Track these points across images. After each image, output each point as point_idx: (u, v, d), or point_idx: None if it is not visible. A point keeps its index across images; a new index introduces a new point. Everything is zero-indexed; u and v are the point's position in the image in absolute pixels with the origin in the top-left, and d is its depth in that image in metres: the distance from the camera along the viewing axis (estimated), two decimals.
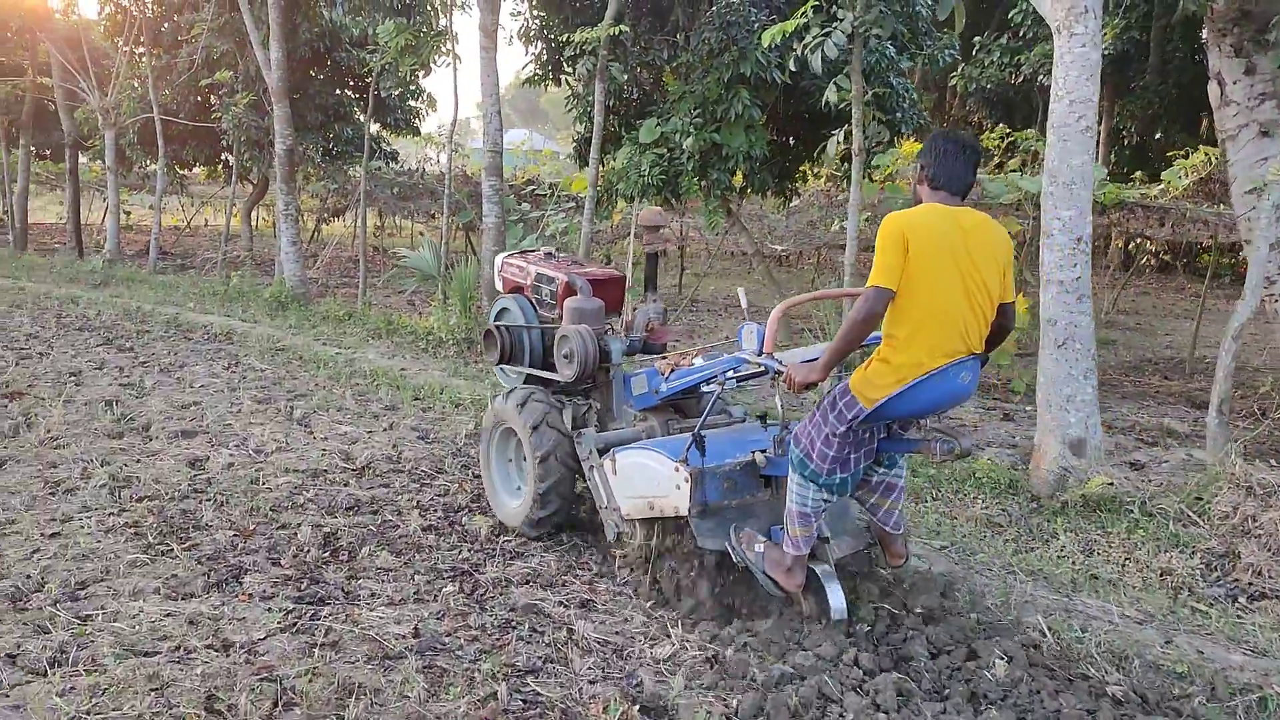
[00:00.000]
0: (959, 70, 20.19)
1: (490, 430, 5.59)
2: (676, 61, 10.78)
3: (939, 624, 4.09)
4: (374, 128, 18.29)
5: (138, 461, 6.45)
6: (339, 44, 17.66)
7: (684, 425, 4.99)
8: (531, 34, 12.23)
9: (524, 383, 5.66)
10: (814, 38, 7.03)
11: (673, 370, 4.90)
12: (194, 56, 17.03)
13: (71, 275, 16.79)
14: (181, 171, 22.05)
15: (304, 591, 4.48)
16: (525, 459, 5.25)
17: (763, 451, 4.31)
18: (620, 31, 9.58)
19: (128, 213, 25.96)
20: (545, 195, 15.63)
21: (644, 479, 4.47)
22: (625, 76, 10.51)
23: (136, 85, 19.13)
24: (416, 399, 8.51)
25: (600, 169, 10.55)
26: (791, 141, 12.30)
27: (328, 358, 10.03)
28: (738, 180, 11.07)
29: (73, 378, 8.95)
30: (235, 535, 5.14)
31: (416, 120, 20.56)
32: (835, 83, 7.22)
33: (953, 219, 3.72)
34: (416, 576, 4.69)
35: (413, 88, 19.67)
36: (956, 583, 4.56)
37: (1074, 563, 5.09)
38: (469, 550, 5.11)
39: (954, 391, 3.79)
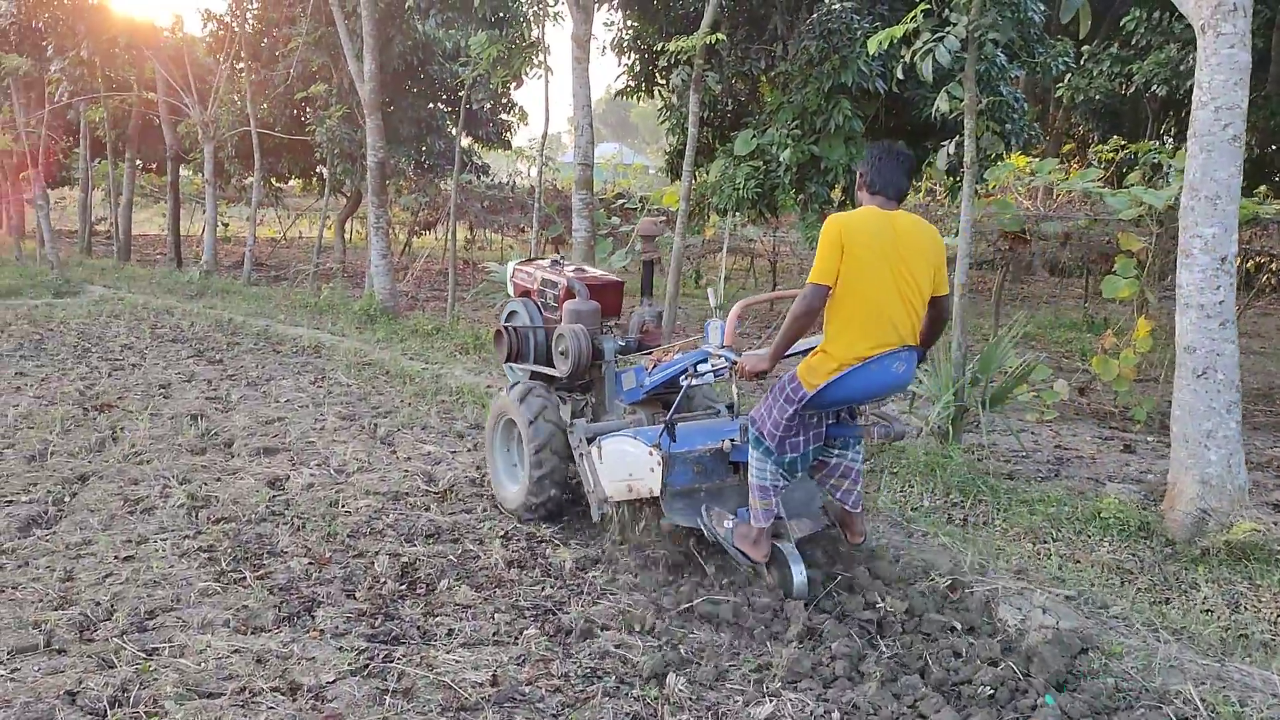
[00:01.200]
0: (1066, 80, 19.42)
1: (495, 421, 6.02)
2: (774, 71, 10.42)
3: (1073, 692, 3.65)
4: (465, 141, 18.26)
5: (218, 480, 6.31)
6: (431, 57, 17.67)
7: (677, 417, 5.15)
8: (625, 45, 11.98)
9: (529, 378, 6.02)
10: (924, 43, 6.61)
11: (655, 365, 5.34)
12: (290, 70, 17.20)
13: (169, 286, 17.05)
14: (277, 184, 22.38)
15: (378, 629, 4.21)
16: (523, 449, 5.62)
17: (731, 439, 4.82)
18: (717, 40, 9.25)
19: (225, 225, 26.47)
20: (635, 209, 15.37)
21: (623, 463, 4.99)
22: (721, 87, 10.16)
23: (236, 99, 19.45)
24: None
25: (693, 182, 10.22)
26: None
27: (414, 373, 9.87)
28: (835, 194, 10.64)
29: (161, 390, 8.93)
30: (310, 563, 4.91)
31: (507, 134, 20.53)
32: (947, 91, 6.78)
33: (887, 221, 4.14)
34: (497, 615, 4.38)
35: (504, 101, 19.65)
36: (1090, 641, 4.09)
37: (1220, 619, 4.56)
38: (552, 586, 4.80)
39: (888, 380, 4.22)
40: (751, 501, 4.50)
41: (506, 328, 6.13)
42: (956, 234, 13.89)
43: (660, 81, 12.53)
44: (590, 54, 10.74)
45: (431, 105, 19.34)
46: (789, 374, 4.30)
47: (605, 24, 11.94)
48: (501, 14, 12.70)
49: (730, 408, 5.35)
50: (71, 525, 5.39)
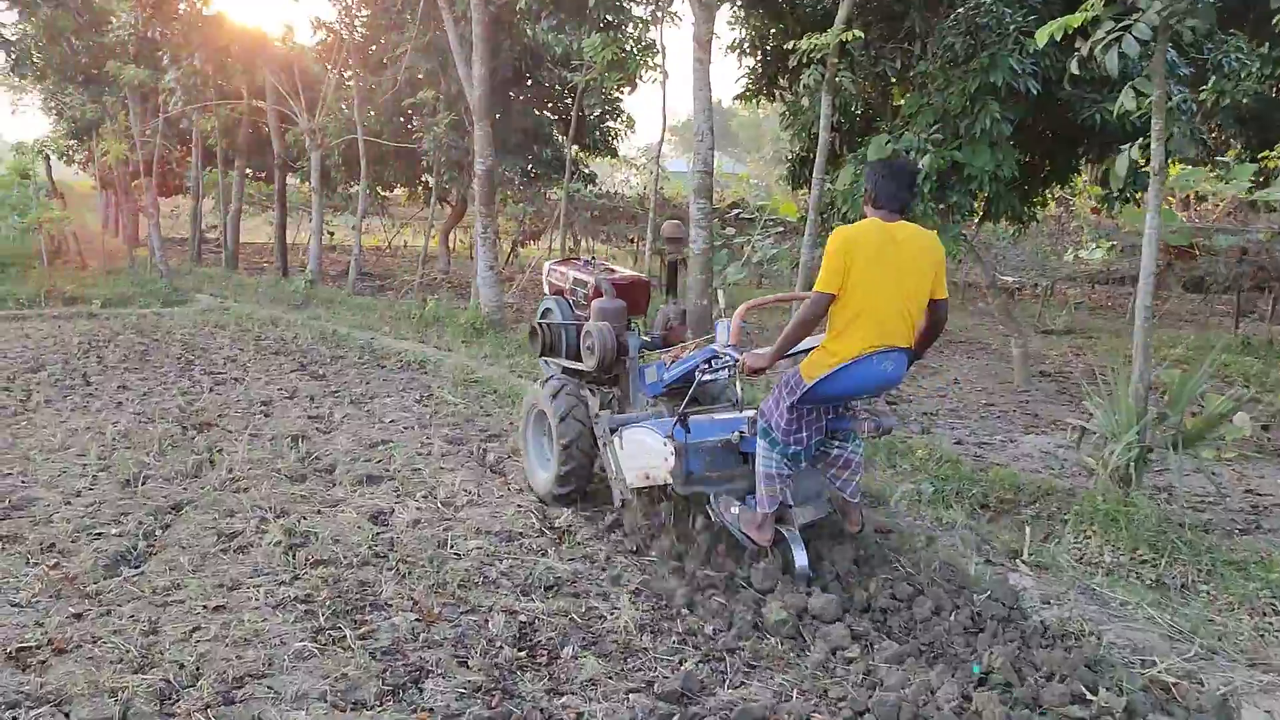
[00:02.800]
0: (1210, 83, 18.07)
1: (528, 412, 6.44)
2: (912, 72, 9.62)
3: None
4: (572, 149, 17.81)
5: (317, 513, 5.80)
6: (540, 63, 17.27)
7: (690, 410, 5.39)
8: (746, 46, 11.30)
9: (561, 373, 6.43)
10: (1109, 34, 5.78)
11: (674, 361, 5.66)
12: (398, 77, 16.94)
13: (274, 295, 16.92)
14: (383, 193, 22.25)
15: (495, 710, 3.59)
16: (553, 442, 5.98)
17: (740, 432, 5.20)
18: (854, 38, 8.52)
19: (331, 233, 26.52)
20: (752, 219, 14.66)
21: (641, 452, 5.34)
22: (856, 88, 9.41)
23: (343, 107, 19.34)
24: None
25: (822, 191, 9.48)
26: (1034, 160, 10.87)
27: (524, 392, 9.30)
28: (979, 204, 9.80)
29: (263, 408, 8.55)
30: (418, 619, 4.34)
31: (614, 141, 20.02)
32: (1133, 86, 5.93)
33: (888, 232, 4.46)
34: (631, 696, 3.74)
35: (609, 108, 19.16)
36: None
37: None
38: (691, 656, 4.13)
39: (878, 377, 4.58)
40: (759, 488, 4.83)
41: (540, 324, 6.61)
42: (1099, 248, 12.74)
43: (782, 85, 11.82)
44: (712, 55, 10.10)
45: (539, 113, 18.92)
46: (793, 370, 4.72)
47: (729, 22, 11.27)
48: (617, 16, 12.16)
49: (735, 404, 5.88)
50: (160, 565, 4.91)
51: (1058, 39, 6.18)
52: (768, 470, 4.79)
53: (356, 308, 15.42)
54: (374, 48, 18.97)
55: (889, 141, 9.41)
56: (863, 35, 8.63)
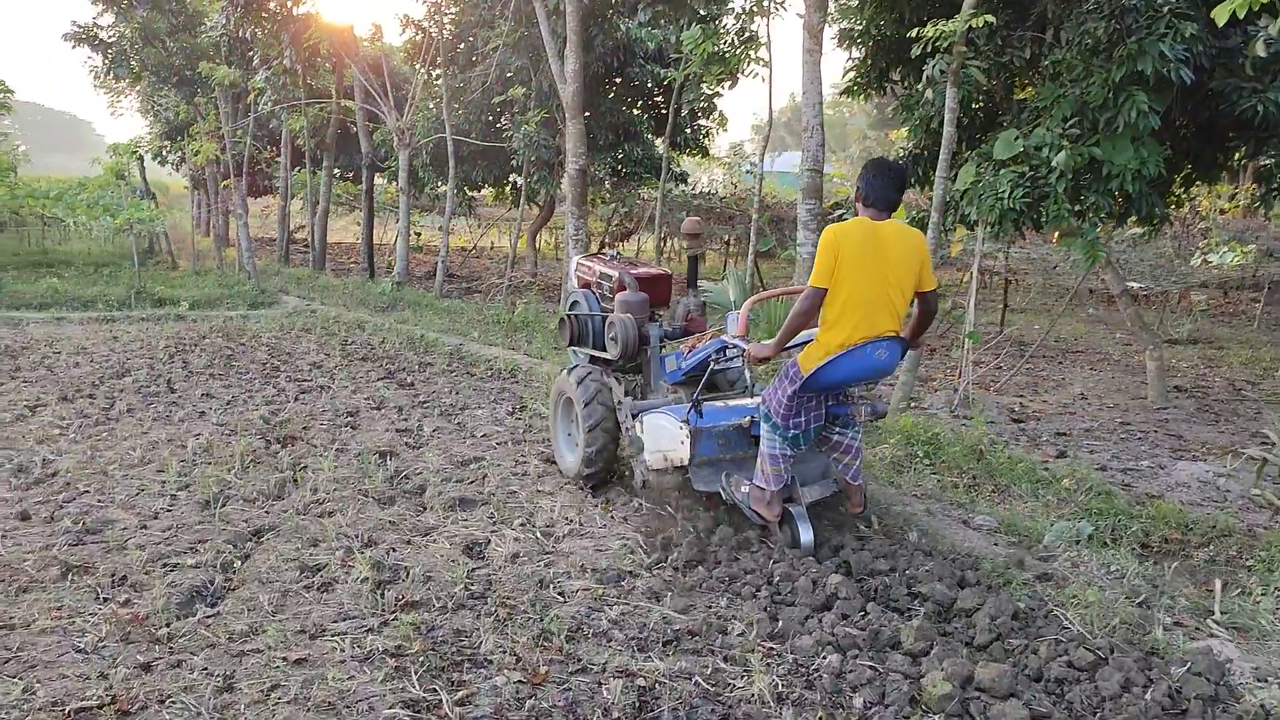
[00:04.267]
0: None
1: (556, 399, 6.82)
2: (1047, 60, 8.83)
3: None
4: (664, 147, 17.25)
5: (407, 543, 5.32)
6: (632, 59, 16.72)
7: (706, 396, 5.89)
8: (855, 36, 10.59)
9: (588, 361, 6.79)
10: None
11: (690, 351, 6.05)
12: (488, 73, 16.55)
13: (362, 297, 16.65)
14: (470, 193, 21.93)
15: None
16: (579, 425, 6.31)
17: (751, 416, 5.55)
18: (985, 24, 7.79)
19: (418, 234, 26.35)
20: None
21: (660, 435, 5.61)
22: (986, 79, 8.65)
23: (431, 106, 19.06)
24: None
25: (946, 190, 8.74)
26: (1175, 156, 9.96)
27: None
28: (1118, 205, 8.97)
29: (349, 419, 8.14)
30: (522, 680, 3.79)
31: (706, 140, 19.40)
32: None
33: (874, 229, 4.75)
34: None
35: (703, 105, 18.55)
36: None
37: None
38: None
39: (871, 364, 4.86)
40: (763, 467, 5.14)
41: (569, 316, 6.91)
42: (1230, 251, 11.65)
43: (894, 78, 11.07)
44: (824, 45, 9.44)
45: (630, 110, 18.38)
46: (791, 361, 5.03)
47: (841, 8, 10.54)
48: (717, 7, 11.56)
49: (748, 390, 6.09)
50: (238, 604, 4.45)
51: (1242, 14, 5.41)
52: (771, 451, 5.12)
53: (444, 311, 15.04)
54: (462, 45, 18.63)
55: (1018, 137, 8.65)
56: (993, 21, 7.87)
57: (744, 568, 5.04)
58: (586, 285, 7.24)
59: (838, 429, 5.31)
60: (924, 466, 7.09)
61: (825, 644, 4.17)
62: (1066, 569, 5.05)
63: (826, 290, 4.72)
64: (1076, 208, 8.58)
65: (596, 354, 6.75)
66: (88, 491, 6.05)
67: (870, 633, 4.21)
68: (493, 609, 4.43)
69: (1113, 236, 10.90)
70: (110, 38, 26.03)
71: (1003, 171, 8.63)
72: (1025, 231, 9.33)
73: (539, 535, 5.50)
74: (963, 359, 9.26)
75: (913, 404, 8.72)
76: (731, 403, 5.87)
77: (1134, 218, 9.27)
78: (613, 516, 5.90)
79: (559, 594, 4.68)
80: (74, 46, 25.88)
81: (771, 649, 4.17)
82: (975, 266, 9.33)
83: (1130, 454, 7.94)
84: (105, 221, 17.60)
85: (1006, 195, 8.36)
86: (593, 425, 6.14)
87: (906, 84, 10.97)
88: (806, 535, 5.19)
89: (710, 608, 4.58)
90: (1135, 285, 13.60)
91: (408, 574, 4.82)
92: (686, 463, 5.49)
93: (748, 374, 5.98)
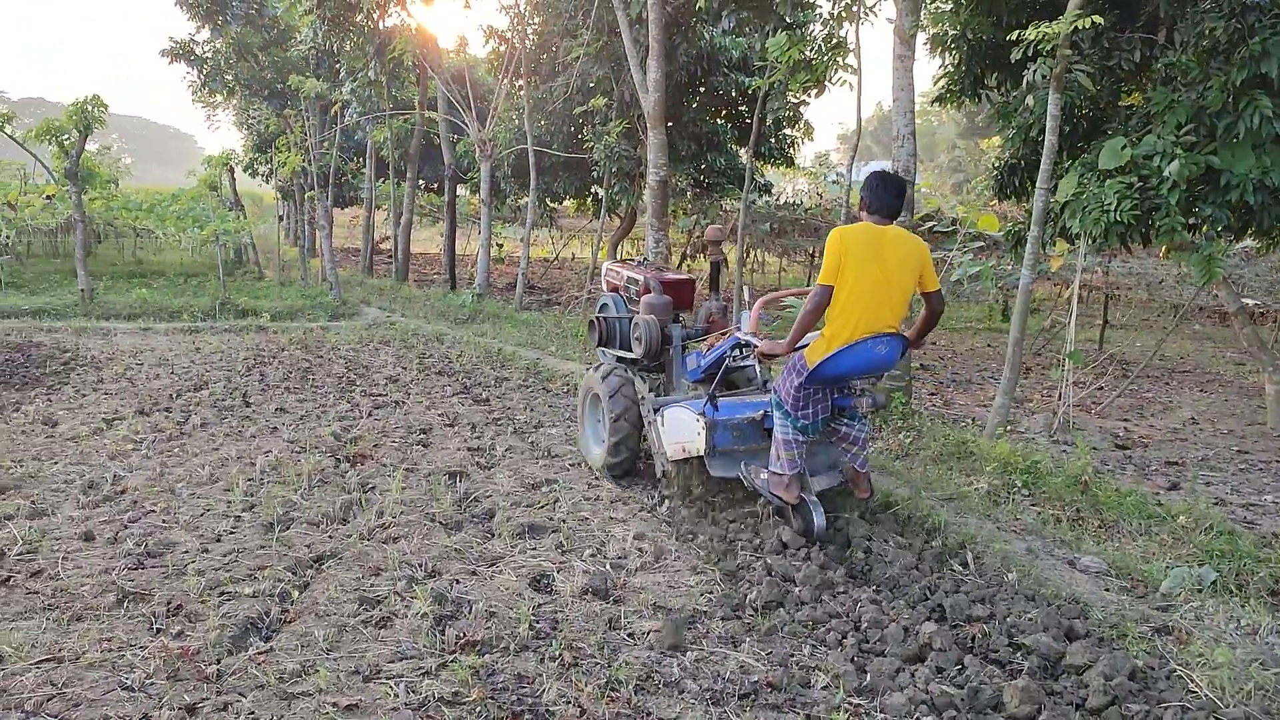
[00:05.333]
0: None
1: (584, 396, 7.21)
2: (1159, 63, 8.28)
3: None
4: (749, 157, 16.90)
5: (472, 573, 5.06)
6: (715, 67, 16.41)
7: (724, 392, 6.33)
8: (949, 41, 10.11)
9: (616, 361, 7.14)
10: None
11: (708, 349, 6.42)
12: (570, 83, 16.40)
13: (442, 309, 16.60)
14: (551, 205, 21.83)
15: None
16: (604, 418, 6.76)
17: (765, 410, 5.78)
18: (1093, 25, 7.30)
19: (499, 245, 26.36)
20: (947, 232, 13.38)
21: (679, 428, 5.99)
22: (1094, 84, 8.11)
23: (513, 117, 19.00)
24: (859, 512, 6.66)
25: (1048, 201, 8.21)
26: None
27: None
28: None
29: (421, 436, 7.96)
30: None
31: (791, 149, 18.98)
32: None
33: (877, 233, 5.22)
34: None
35: (788, 114, 18.15)
36: None
37: None
38: None
39: (872, 358, 5.26)
40: (778, 452, 5.47)
41: (598, 318, 7.31)
42: None
43: (989, 85, 10.57)
44: (916, 50, 9.02)
45: (712, 120, 18.05)
46: (798, 355, 5.40)
47: (934, 12, 10.07)
48: (805, 14, 11.19)
49: (764, 386, 6.45)
50: (292, 639, 4.23)
51: None
52: (785, 437, 5.46)
53: (523, 324, 14.88)
54: (545, 56, 18.53)
55: (1125, 146, 8.12)
56: (1101, 21, 7.37)
57: (828, 611, 4.67)
58: (615, 289, 7.66)
59: (845, 421, 5.68)
60: (1022, 498, 6.63)
61: (919, 703, 3.79)
62: (1189, 621, 4.57)
63: (833, 288, 5.15)
64: (1190, 220, 8.02)
65: (623, 354, 7.13)
66: (153, 511, 5.93)
67: (969, 691, 3.82)
68: (558, 652, 4.14)
69: (1225, 250, 10.22)
70: (206, 53, 26.68)
71: (1109, 182, 8.10)
72: (1130, 245, 8.76)
73: (610, 566, 5.20)
74: (1062, 380, 8.73)
75: (1009, 428, 8.22)
76: (746, 398, 6.27)
77: (1253, 230, 8.64)
78: (688, 547, 5.57)
79: (628, 635, 4.38)
80: (171, 62, 26.58)
81: (859, 706, 3.80)
82: (1076, 282, 8.80)
83: (1251, 487, 7.36)
84: (193, 233, 17.87)
85: (1113, 207, 7.83)
86: (617, 416, 6.61)
87: (1003, 90, 10.47)
88: (820, 520, 5.43)
89: (792, 656, 4.23)
90: (1251, 302, 12.82)
91: (470, 609, 4.56)
92: (703, 453, 5.81)
93: (758, 370, 6.43)
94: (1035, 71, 7.74)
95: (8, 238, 18.97)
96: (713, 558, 5.40)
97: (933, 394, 10.57)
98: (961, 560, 5.37)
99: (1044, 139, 8.44)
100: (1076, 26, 7.57)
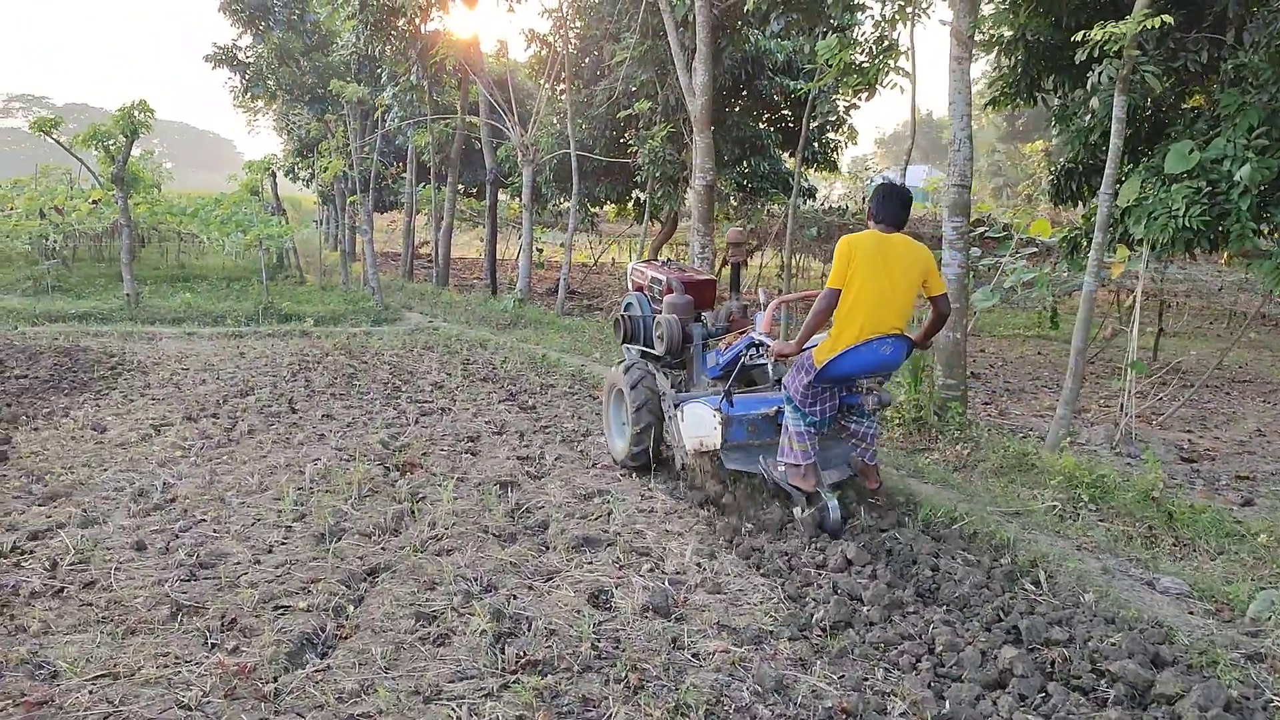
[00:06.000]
0: None
1: (609, 391, 7.54)
2: (1228, 64, 8.04)
3: None
4: (793, 161, 16.69)
5: (529, 588, 4.93)
6: (760, 71, 16.24)
7: (742, 390, 6.63)
8: (1005, 42, 9.89)
9: (640, 357, 7.44)
10: None
11: (726, 348, 6.69)
12: (613, 86, 16.29)
13: (484, 314, 16.54)
14: (592, 209, 21.73)
15: None
16: (627, 410, 7.03)
17: (778, 407, 6.11)
18: (1162, 24, 7.07)
19: (540, 250, 26.31)
20: (998, 238, 13.11)
21: (696, 423, 6.29)
22: (1162, 85, 7.87)
23: (555, 122, 18.93)
24: (870, 501, 6.46)
25: (1112, 207, 7.97)
26: None
27: None
28: None
29: (470, 444, 7.86)
30: None
31: (834, 154, 18.77)
32: None
33: (884, 241, 5.54)
34: None
35: (833, 119, 17.96)
36: None
37: None
38: None
39: (877, 358, 5.58)
40: (790, 444, 5.80)
41: (623, 316, 7.61)
42: None
43: (1045, 88, 10.33)
44: (972, 53, 8.81)
45: (756, 124, 17.88)
46: (806, 354, 5.70)
47: (994, 11, 9.81)
48: (853, 16, 11.00)
49: (779, 381, 6.50)
50: (350, 655, 4.12)
51: None
52: (796, 429, 5.82)
53: (565, 329, 14.78)
54: (587, 59, 18.44)
55: (1193, 149, 7.89)
56: (1170, 21, 7.15)
57: (899, 632, 4.50)
58: (640, 288, 7.88)
59: (854, 418, 6.02)
60: (1090, 513, 6.41)
61: None
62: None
63: (841, 291, 5.46)
64: (1262, 226, 7.77)
65: (646, 350, 7.39)
66: (204, 520, 5.86)
67: None
68: (622, 673, 3.99)
69: None
70: (248, 58, 26.87)
71: (1175, 187, 7.88)
72: (1194, 252, 8.50)
73: (669, 583, 5.05)
74: (1125, 390, 8.48)
75: (1070, 440, 7.98)
76: (762, 395, 6.56)
77: None
78: (748, 563, 5.41)
79: (693, 656, 4.23)
80: (214, 67, 26.79)
81: None
82: (1139, 290, 8.56)
83: None
84: (236, 237, 17.93)
85: (1182, 213, 7.60)
86: (638, 407, 6.89)
87: (1060, 93, 10.24)
88: (835, 511, 5.69)
89: (865, 680, 4.06)
90: None
91: (529, 626, 4.43)
92: (718, 447, 6.13)
93: (770, 368, 6.60)
94: (1100, 73, 7.52)
95: (55, 242, 19.12)
96: (774, 574, 5.24)
97: (986, 403, 10.34)
98: (1034, 579, 5.18)
99: (1105, 142, 8.22)
100: (1144, 26, 7.35)
